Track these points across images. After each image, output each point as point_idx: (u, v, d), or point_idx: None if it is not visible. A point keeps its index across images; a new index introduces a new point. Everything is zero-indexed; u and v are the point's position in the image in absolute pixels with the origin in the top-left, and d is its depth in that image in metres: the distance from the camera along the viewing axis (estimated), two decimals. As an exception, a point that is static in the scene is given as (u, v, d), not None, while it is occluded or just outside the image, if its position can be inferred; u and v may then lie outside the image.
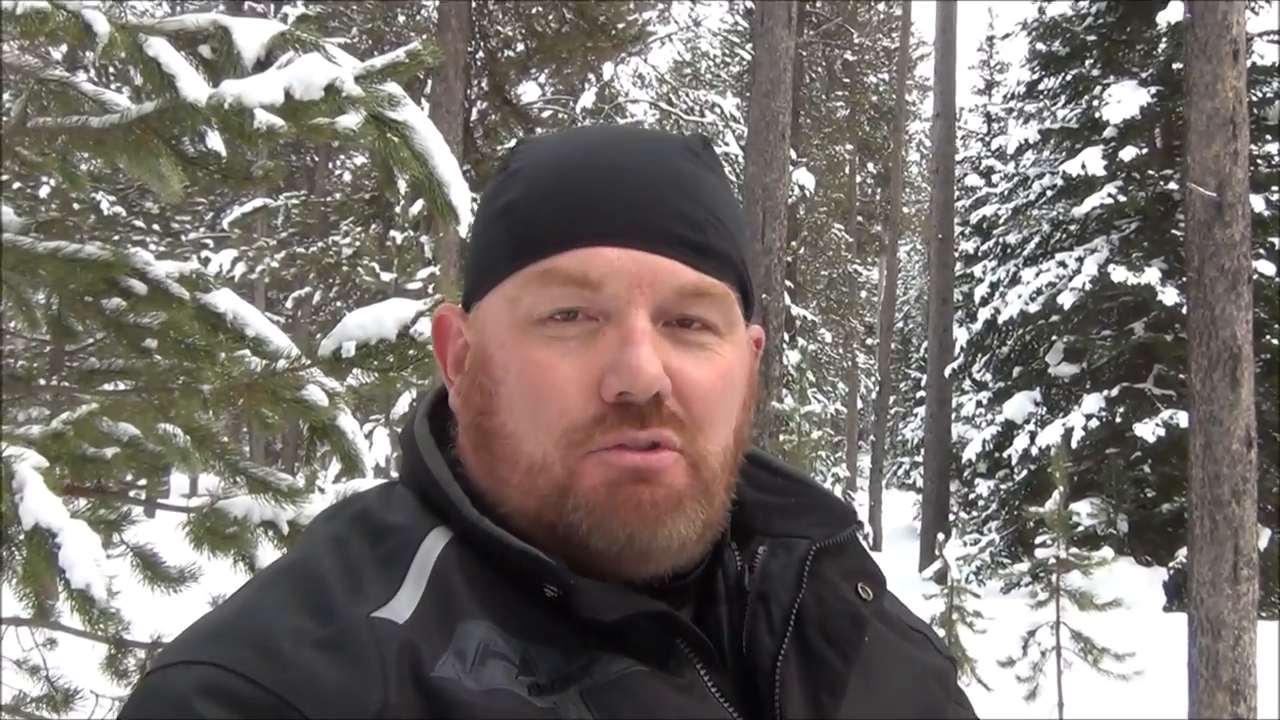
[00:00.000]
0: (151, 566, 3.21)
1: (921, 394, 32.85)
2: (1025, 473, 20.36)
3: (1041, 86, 21.64)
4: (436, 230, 14.13)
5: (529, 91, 19.75)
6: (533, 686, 0.82)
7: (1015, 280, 21.80)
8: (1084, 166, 18.36)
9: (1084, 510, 16.25)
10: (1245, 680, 6.62)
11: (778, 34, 13.01)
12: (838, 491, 29.55)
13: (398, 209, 15.25)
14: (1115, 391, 18.50)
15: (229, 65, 2.71)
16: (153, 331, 3.13)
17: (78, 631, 2.98)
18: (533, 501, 0.90)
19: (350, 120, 2.63)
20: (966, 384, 25.79)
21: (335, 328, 3.03)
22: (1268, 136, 17.48)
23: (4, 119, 3.22)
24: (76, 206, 15.31)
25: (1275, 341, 16.59)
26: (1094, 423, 18.20)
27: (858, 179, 37.13)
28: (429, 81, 15.60)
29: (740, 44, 30.57)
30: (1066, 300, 18.48)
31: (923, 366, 32.86)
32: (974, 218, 26.03)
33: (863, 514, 31.48)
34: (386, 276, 15.79)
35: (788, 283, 18.28)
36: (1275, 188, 17.31)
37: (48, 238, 3.00)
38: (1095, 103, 18.82)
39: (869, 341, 41.59)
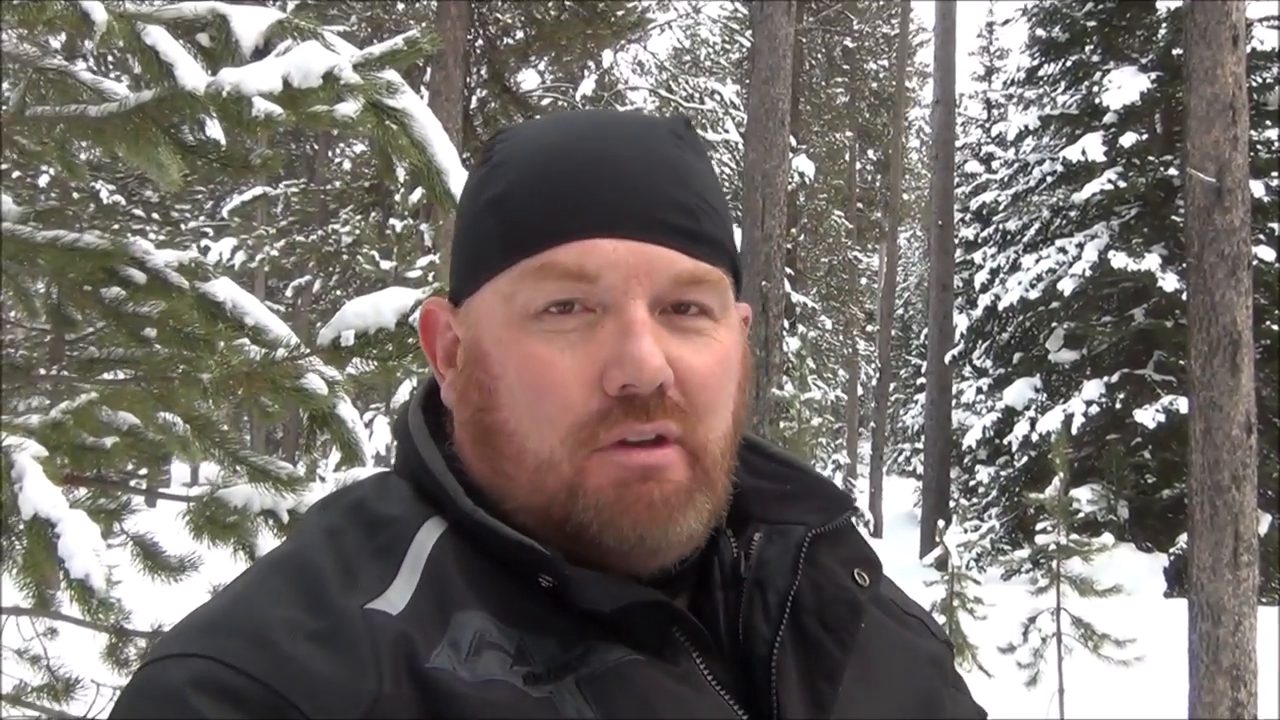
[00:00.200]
0: (152, 556, 3.21)
1: (922, 381, 32.87)
2: (1026, 459, 20.36)
3: (1041, 72, 21.62)
4: (436, 218, 14.13)
5: (528, 79, 19.77)
6: (528, 676, 0.81)
7: (1015, 266, 21.81)
8: (1084, 152, 18.35)
9: (1084, 496, 16.26)
10: (1246, 666, 6.63)
11: (777, 20, 13.00)
12: (838, 479, 29.59)
13: (397, 197, 15.25)
14: (1115, 378, 18.51)
15: (227, 53, 2.71)
16: (152, 320, 3.13)
17: (78, 621, 2.98)
18: (540, 499, 0.90)
19: (349, 108, 2.63)
20: (967, 370, 25.78)
21: (334, 316, 3.03)
22: (1267, 122, 17.44)
23: (3, 108, 3.21)
24: (76, 195, 15.28)
25: (1275, 327, 16.57)
26: (1094, 409, 18.22)
27: (857, 165, 37.13)
28: (428, 69, 15.58)
29: (740, 30, 30.54)
30: (1067, 286, 18.48)
31: (923, 353, 32.85)
32: (974, 204, 26.01)
33: (863, 501, 31.53)
34: (386, 265, 15.79)
35: (788, 270, 18.26)
36: (1275, 173, 17.28)
37: (47, 227, 2.99)
38: (1095, 88, 18.79)
39: (869, 328, 41.56)
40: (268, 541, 3.09)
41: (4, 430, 2.53)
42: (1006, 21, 24.58)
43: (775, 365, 13.25)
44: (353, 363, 3.06)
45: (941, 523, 12.72)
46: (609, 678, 0.83)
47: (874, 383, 38.75)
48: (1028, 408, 20.34)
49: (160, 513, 3.63)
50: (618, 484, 0.88)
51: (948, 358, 23.23)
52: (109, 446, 2.98)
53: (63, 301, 3.41)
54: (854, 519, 1.06)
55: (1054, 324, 20.47)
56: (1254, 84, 16.85)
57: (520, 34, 18.58)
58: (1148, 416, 17.17)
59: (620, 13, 17.99)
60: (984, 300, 22.26)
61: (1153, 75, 18.07)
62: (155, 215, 20.23)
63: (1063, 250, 19.49)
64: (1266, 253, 16.37)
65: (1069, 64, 20.65)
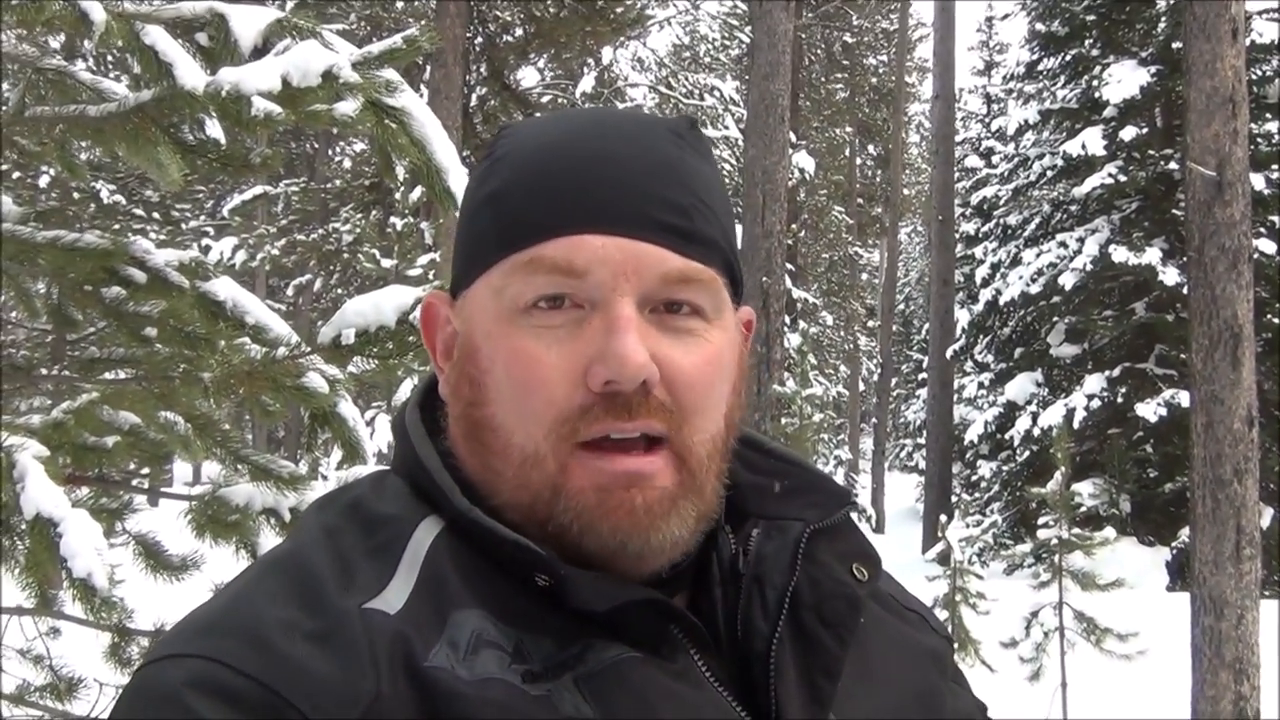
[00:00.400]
0: (154, 555, 3.21)
1: (923, 376, 32.89)
2: (1027, 454, 20.37)
3: (1041, 67, 21.64)
4: (436, 216, 14.10)
5: (528, 76, 19.70)
6: (526, 674, 0.82)
7: (1016, 261, 21.81)
8: (1084, 147, 18.36)
9: (1086, 491, 16.29)
10: (1248, 659, 6.64)
11: (776, 16, 13.00)
12: (840, 474, 29.62)
13: (397, 195, 15.23)
14: (1117, 372, 18.52)
15: (226, 53, 2.71)
16: (153, 320, 3.13)
17: (81, 620, 2.99)
18: (526, 495, 0.89)
19: (348, 107, 2.63)
20: (968, 365, 25.81)
21: (335, 315, 3.03)
22: (1267, 115, 17.43)
23: (3, 108, 3.22)
24: (76, 195, 15.27)
25: (1276, 320, 16.58)
26: (1096, 403, 18.22)
27: (858, 161, 37.08)
28: (428, 67, 15.58)
29: (739, 26, 30.46)
30: (1067, 281, 18.49)
31: (924, 348, 32.88)
32: (974, 199, 26.03)
33: (865, 496, 31.51)
34: (387, 263, 15.76)
35: (788, 266, 18.28)
36: (1275, 166, 17.29)
37: (47, 227, 3.00)
38: (1095, 83, 18.80)
39: (870, 324, 41.53)
40: (269, 540, 3.09)
41: (6, 430, 2.53)
42: (1006, 16, 24.66)
43: (776, 361, 13.25)
44: (354, 361, 3.06)
45: (943, 518, 12.70)
46: (607, 675, 0.83)
47: (875, 378, 38.75)
48: (1029, 402, 20.34)
49: (162, 512, 3.64)
50: (599, 488, 0.87)
51: (949, 353, 23.24)
52: (110, 446, 2.98)
53: (63, 301, 3.41)
54: (854, 514, 1.05)
55: (1055, 318, 20.48)
56: (1253, 77, 16.84)
57: (519, 31, 18.57)
58: (1149, 410, 17.17)
59: (619, 9, 17.99)
60: (985, 295, 22.27)
61: (1152, 69, 18.08)
62: (155, 215, 20.22)
63: (1063, 245, 19.50)
64: (1267, 246, 16.38)
65: (1068, 58, 20.66)
